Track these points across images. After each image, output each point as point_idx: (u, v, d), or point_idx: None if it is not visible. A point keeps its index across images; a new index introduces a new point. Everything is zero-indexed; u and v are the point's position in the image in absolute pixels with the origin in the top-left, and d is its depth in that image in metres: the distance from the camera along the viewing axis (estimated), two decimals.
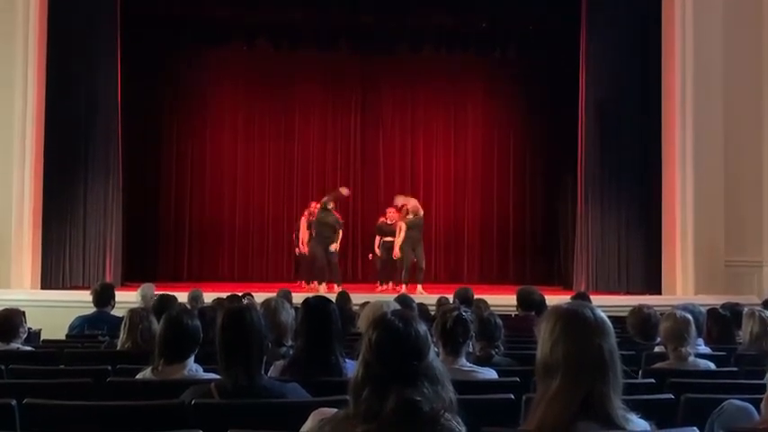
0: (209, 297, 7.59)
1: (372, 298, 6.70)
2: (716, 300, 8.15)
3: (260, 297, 6.50)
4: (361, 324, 4.99)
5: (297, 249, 12.65)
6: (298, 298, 5.96)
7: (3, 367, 4.20)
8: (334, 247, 11.73)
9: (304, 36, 13.90)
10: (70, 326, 6.64)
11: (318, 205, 11.94)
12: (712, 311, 5.74)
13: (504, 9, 13.26)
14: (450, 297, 7.47)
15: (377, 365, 2.10)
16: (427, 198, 14.63)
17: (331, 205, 11.77)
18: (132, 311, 4.90)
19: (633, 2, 11.97)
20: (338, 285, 11.31)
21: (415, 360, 2.10)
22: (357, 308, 6.62)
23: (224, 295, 7.28)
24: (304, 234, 12.27)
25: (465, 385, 3.10)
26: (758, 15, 11.76)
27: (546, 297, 6.94)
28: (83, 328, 6.51)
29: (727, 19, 11.43)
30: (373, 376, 2.09)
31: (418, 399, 2.04)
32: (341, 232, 11.91)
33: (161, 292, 6.99)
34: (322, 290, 10.99)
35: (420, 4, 13.24)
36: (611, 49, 11.92)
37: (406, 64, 14.50)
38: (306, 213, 12.42)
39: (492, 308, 6.28)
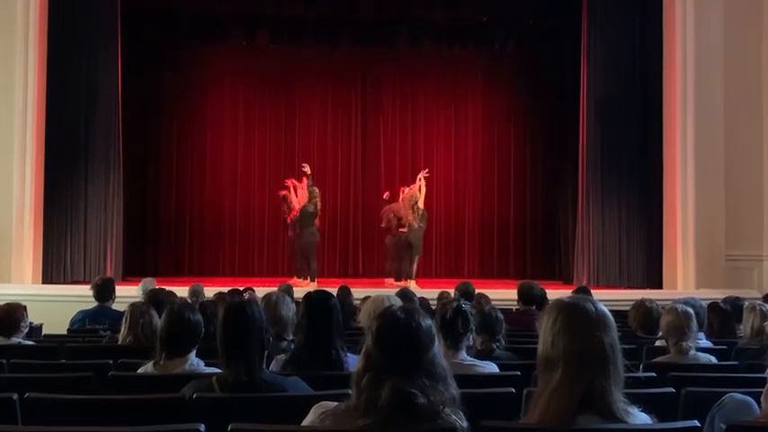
0: (210, 292, 7.59)
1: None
2: (717, 294, 8.16)
3: (261, 291, 6.51)
4: (362, 318, 4.99)
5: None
6: (299, 292, 5.96)
7: (4, 362, 4.20)
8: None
9: (304, 30, 13.88)
10: (71, 320, 6.65)
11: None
12: (713, 305, 5.74)
13: (504, 3, 13.25)
14: (452, 292, 7.47)
15: (376, 355, 2.11)
16: (428, 192, 14.60)
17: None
18: (133, 306, 4.90)
19: None
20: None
21: (414, 352, 2.11)
22: (358, 302, 6.63)
23: (225, 290, 7.28)
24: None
25: (466, 379, 3.11)
26: (759, 11, 11.75)
27: (547, 292, 6.94)
28: (84, 323, 6.52)
29: (727, 14, 11.42)
30: (373, 366, 2.10)
31: (413, 390, 2.04)
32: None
33: (159, 287, 7.00)
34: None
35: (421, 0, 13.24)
36: (613, 44, 11.91)
37: (407, 58, 14.49)
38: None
39: (493, 302, 6.28)
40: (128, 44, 12.20)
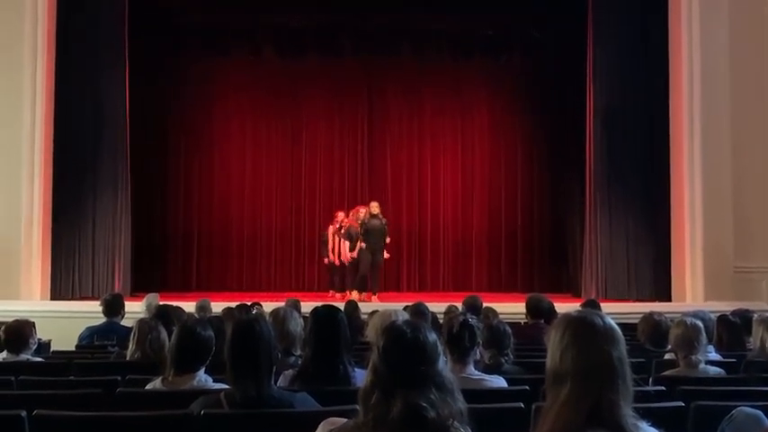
0: (218, 307, 7.58)
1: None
2: (726, 306, 8.10)
3: (269, 306, 6.50)
4: (370, 333, 4.99)
5: (327, 260, 12.44)
6: (307, 307, 5.96)
7: (13, 378, 4.22)
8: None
9: (309, 42, 13.96)
10: (80, 336, 6.66)
11: (349, 215, 11.95)
12: (722, 318, 5.70)
13: (509, 15, 13.30)
14: (459, 305, 7.45)
15: (384, 370, 2.11)
16: (435, 205, 14.65)
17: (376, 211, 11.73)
18: (141, 322, 4.91)
19: (639, 7, 11.97)
20: (375, 295, 11.49)
21: (421, 365, 2.11)
22: (366, 317, 6.62)
23: (233, 305, 7.28)
24: (337, 245, 12.12)
25: (474, 394, 3.10)
26: (763, 18, 11.74)
27: (555, 305, 6.92)
28: (92, 339, 6.52)
29: (733, 22, 11.42)
30: (381, 382, 2.10)
31: (423, 404, 2.04)
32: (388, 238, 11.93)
33: (165, 303, 7.01)
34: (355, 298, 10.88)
35: (426, 11, 13.28)
36: (618, 54, 11.92)
37: (412, 71, 14.53)
38: (335, 223, 12.35)
39: (501, 316, 6.28)
40: (135, 61, 12.23)
